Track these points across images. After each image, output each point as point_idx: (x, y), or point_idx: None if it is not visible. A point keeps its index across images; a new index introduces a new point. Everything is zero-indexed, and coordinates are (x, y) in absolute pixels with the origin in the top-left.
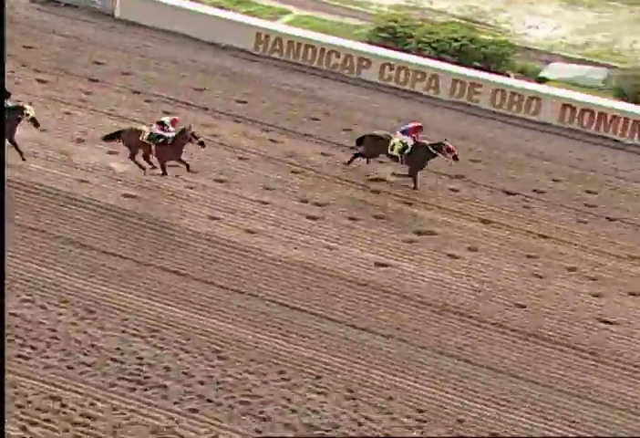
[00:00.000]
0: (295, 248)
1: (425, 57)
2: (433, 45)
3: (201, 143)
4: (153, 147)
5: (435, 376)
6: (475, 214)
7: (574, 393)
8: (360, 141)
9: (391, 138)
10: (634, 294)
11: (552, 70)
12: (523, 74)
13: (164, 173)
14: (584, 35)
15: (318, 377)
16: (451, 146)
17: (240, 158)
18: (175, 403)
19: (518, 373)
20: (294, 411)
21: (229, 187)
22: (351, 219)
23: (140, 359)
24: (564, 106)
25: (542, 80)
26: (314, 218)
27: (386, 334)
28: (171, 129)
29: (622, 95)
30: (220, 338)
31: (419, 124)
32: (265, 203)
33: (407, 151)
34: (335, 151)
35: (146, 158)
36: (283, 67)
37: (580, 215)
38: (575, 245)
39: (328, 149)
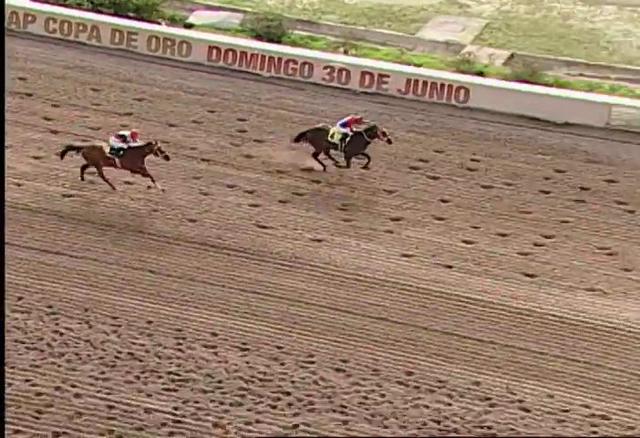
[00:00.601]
0: None
1: (85, 10)
2: None
3: (166, 157)
4: (117, 160)
5: (124, 286)
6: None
7: (244, 289)
8: (301, 137)
9: (329, 128)
10: (283, 202)
11: (197, 17)
12: (173, 21)
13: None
14: None
15: (20, 298)
16: (384, 130)
17: None
18: None
19: (195, 277)
20: None
21: None
22: (36, 158)
23: None
24: (211, 47)
25: (189, 26)
26: None
27: (78, 255)
28: (132, 141)
29: (257, 35)
30: None
31: (358, 117)
32: None
33: (347, 140)
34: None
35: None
36: None
37: (234, 139)
38: (233, 165)
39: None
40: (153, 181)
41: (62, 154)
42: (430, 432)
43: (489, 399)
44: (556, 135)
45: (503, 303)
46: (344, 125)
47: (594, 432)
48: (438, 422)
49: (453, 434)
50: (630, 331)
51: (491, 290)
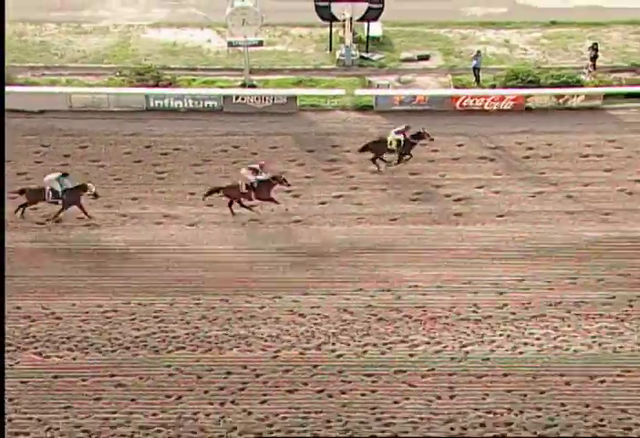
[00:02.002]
0: None
1: None
2: None
3: (288, 184)
4: (253, 193)
5: None
6: None
7: None
8: (365, 148)
9: (386, 138)
10: None
11: None
12: None
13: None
14: None
15: None
16: (427, 131)
17: None
18: None
19: None
20: None
21: None
22: None
23: None
24: None
25: None
26: None
27: None
28: (262, 173)
29: None
30: None
31: (409, 125)
32: None
33: (401, 145)
34: None
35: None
36: None
37: None
38: None
39: None
40: (277, 202)
41: (207, 194)
42: None
43: (29, 317)
44: (37, 120)
45: None
46: (398, 132)
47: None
48: None
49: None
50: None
51: None
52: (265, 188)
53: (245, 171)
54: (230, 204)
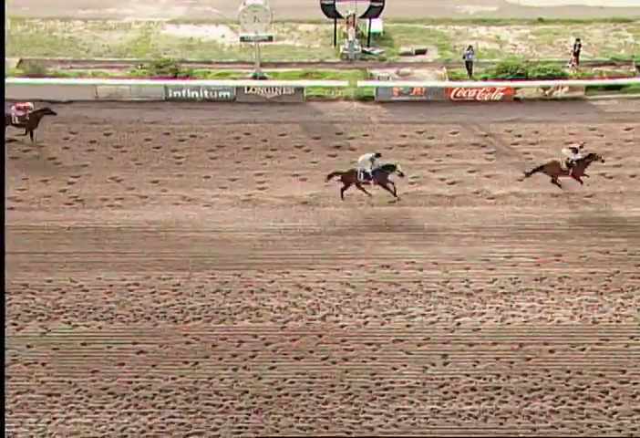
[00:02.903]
0: None
1: None
2: None
3: (602, 161)
4: (571, 170)
5: None
6: None
7: None
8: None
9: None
10: None
11: None
12: None
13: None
14: None
15: None
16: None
17: None
18: None
19: None
20: None
21: None
22: None
23: None
24: None
25: None
26: None
27: None
28: (580, 152)
29: None
30: None
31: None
32: None
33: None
34: None
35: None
36: None
37: None
38: None
39: None
40: (581, 182)
41: (529, 174)
42: None
43: (59, 289)
44: (66, 109)
45: None
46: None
47: None
48: None
49: None
50: None
51: None
52: (582, 165)
53: (566, 150)
54: (553, 181)
